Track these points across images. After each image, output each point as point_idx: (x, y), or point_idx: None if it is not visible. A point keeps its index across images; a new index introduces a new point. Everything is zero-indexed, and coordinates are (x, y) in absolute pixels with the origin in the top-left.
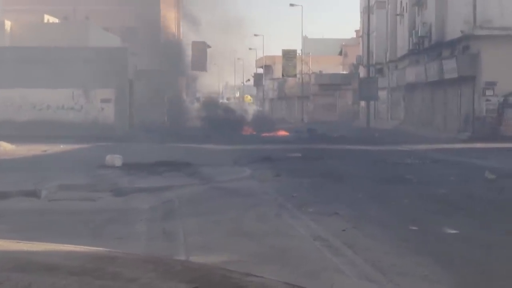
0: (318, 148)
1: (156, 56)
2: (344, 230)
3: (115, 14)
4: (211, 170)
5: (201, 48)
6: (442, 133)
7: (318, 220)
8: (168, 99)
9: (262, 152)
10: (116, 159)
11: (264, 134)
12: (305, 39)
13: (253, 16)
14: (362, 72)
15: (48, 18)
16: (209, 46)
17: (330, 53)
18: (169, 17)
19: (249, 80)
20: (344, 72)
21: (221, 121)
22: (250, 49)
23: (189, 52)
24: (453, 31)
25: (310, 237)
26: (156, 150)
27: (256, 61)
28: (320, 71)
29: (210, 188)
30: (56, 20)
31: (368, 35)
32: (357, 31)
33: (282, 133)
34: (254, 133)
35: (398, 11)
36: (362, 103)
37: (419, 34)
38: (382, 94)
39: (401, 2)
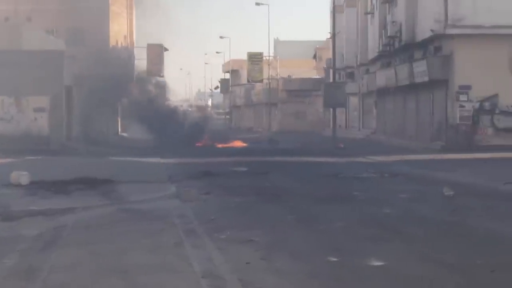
0: (270, 161)
1: (104, 60)
2: (248, 263)
3: (61, 14)
4: (131, 188)
5: (157, 52)
6: (414, 142)
7: (225, 249)
8: (122, 108)
9: (206, 166)
10: (22, 177)
11: (219, 145)
12: (276, 42)
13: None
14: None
15: None
16: (166, 49)
17: (304, 56)
18: (121, 18)
19: (217, 87)
20: (316, 77)
21: (176, 132)
22: (217, 52)
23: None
24: (424, 30)
25: (199, 273)
26: (85, 165)
27: (223, 65)
28: (289, 75)
29: (118, 210)
30: None
31: (334, 35)
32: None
33: (239, 144)
34: (210, 144)
35: (369, 10)
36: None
37: (389, 34)
38: (354, 100)
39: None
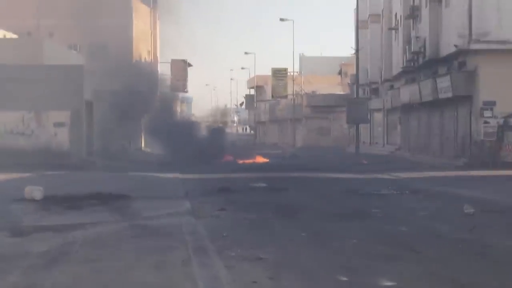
0: (289, 177)
1: (126, 76)
2: (255, 282)
3: (83, 29)
4: (145, 204)
5: (181, 67)
6: (439, 159)
7: (233, 267)
8: (146, 124)
9: (225, 182)
10: (35, 192)
11: (241, 161)
12: (302, 58)
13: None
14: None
15: (4, 34)
16: (190, 65)
17: (329, 72)
18: (145, 33)
19: (243, 102)
20: (341, 93)
21: (197, 147)
22: (242, 68)
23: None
24: (448, 45)
25: None
26: (102, 180)
27: (248, 81)
28: (313, 91)
29: (129, 226)
30: (15, 36)
31: (357, 51)
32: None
33: (261, 160)
34: (232, 159)
35: (393, 25)
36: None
37: (413, 50)
38: (378, 116)
39: (395, 15)
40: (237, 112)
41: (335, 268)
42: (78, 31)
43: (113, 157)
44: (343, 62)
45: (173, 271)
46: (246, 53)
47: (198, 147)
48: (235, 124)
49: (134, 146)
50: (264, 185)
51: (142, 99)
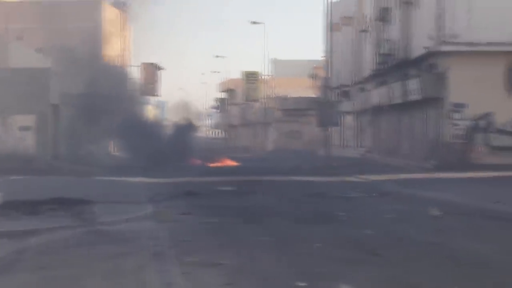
0: (258, 180)
1: (94, 79)
2: None
3: (51, 33)
4: (107, 208)
5: (151, 71)
6: (408, 161)
7: (190, 274)
8: (116, 127)
9: (192, 186)
10: None
11: (210, 165)
12: (274, 61)
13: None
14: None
15: None
16: (160, 68)
17: (302, 75)
18: (114, 36)
19: (218, 106)
20: (313, 96)
21: (164, 148)
22: (213, 72)
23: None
24: (419, 48)
25: None
26: (67, 185)
27: (220, 84)
28: (285, 95)
29: (87, 232)
30: None
31: (327, 53)
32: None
33: (231, 163)
34: (201, 163)
35: (364, 28)
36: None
37: (383, 52)
38: (349, 119)
39: (366, 17)
40: (209, 116)
41: (294, 274)
42: (46, 34)
43: (80, 161)
44: (315, 65)
45: (126, 278)
46: (217, 56)
47: (164, 148)
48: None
49: (103, 150)
50: (231, 188)
51: (111, 103)
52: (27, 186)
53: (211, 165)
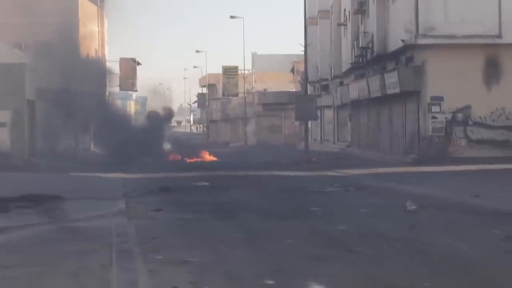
0: (235, 175)
1: (71, 74)
2: (175, 287)
3: (30, 28)
4: (79, 205)
5: (129, 66)
6: (388, 155)
7: (156, 272)
8: (95, 124)
9: (168, 181)
10: None
11: (188, 160)
12: (254, 56)
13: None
14: (308, 90)
15: None
16: (139, 63)
17: (282, 70)
18: (91, 31)
19: (196, 101)
20: (292, 90)
21: (144, 146)
22: (194, 67)
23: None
24: (396, 41)
25: None
26: (41, 181)
27: (200, 79)
28: (264, 89)
29: (55, 229)
30: None
31: (305, 47)
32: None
33: (209, 158)
34: (179, 158)
35: (342, 21)
36: (309, 124)
37: (360, 45)
38: (328, 113)
39: (344, 11)
40: (192, 111)
41: (263, 271)
42: (23, 29)
43: (58, 157)
44: (295, 60)
45: (90, 277)
46: (197, 51)
47: (140, 141)
48: (189, 123)
49: (82, 146)
50: (207, 184)
51: (89, 98)
52: None
53: (190, 160)
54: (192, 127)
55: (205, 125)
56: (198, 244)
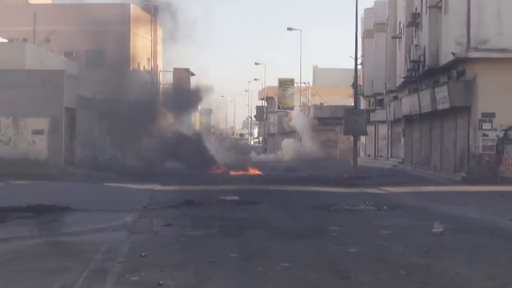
0: (269, 190)
1: (122, 84)
2: None
3: (81, 36)
4: (84, 217)
5: (183, 76)
6: (439, 173)
7: None
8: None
9: (198, 195)
10: None
11: (232, 173)
12: (315, 69)
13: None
14: (362, 104)
15: None
16: (193, 74)
17: (343, 84)
18: (144, 40)
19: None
20: (350, 105)
21: (190, 158)
22: (255, 79)
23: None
24: (448, 54)
25: None
26: (68, 191)
27: (259, 92)
28: (321, 103)
29: (42, 243)
30: (5, 41)
31: (356, 59)
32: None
33: (254, 172)
34: (223, 171)
35: (396, 34)
36: (362, 139)
37: (412, 59)
38: (383, 128)
39: (399, 23)
40: (256, 124)
41: None
42: (74, 37)
43: (101, 167)
44: (358, 74)
45: None
46: (256, 63)
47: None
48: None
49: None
50: (236, 198)
51: (141, 109)
52: (19, 192)
53: (233, 173)
54: (254, 140)
55: (263, 138)
56: (186, 265)
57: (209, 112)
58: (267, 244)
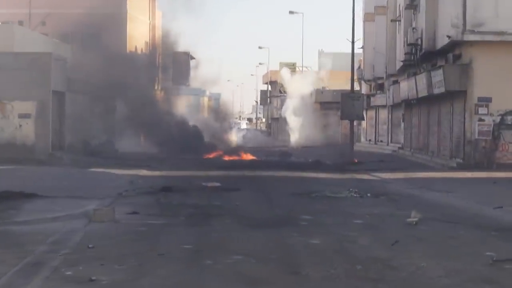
0: (254, 176)
1: (117, 67)
2: None
3: (76, 18)
4: (45, 205)
5: (182, 60)
6: (435, 158)
7: None
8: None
9: (180, 180)
10: None
11: (226, 158)
12: (320, 53)
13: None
14: (364, 88)
15: None
16: (192, 58)
17: (348, 68)
18: (142, 23)
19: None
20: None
21: (183, 143)
22: (260, 64)
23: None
24: (444, 37)
25: None
26: (46, 177)
27: (263, 76)
28: (323, 87)
29: None
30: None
31: (353, 42)
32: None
33: (248, 157)
34: (217, 156)
35: (396, 17)
36: (363, 124)
37: (409, 42)
38: (383, 113)
39: (399, 6)
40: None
41: None
42: (70, 20)
43: (92, 152)
44: (360, 58)
45: None
46: (260, 47)
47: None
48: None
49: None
50: (218, 184)
51: (134, 92)
52: None
53: (226, 158)
54: (257, 126)
55: (267, 122)
56: (132, 257)
57: (218, 96)
58: (229, 234)
